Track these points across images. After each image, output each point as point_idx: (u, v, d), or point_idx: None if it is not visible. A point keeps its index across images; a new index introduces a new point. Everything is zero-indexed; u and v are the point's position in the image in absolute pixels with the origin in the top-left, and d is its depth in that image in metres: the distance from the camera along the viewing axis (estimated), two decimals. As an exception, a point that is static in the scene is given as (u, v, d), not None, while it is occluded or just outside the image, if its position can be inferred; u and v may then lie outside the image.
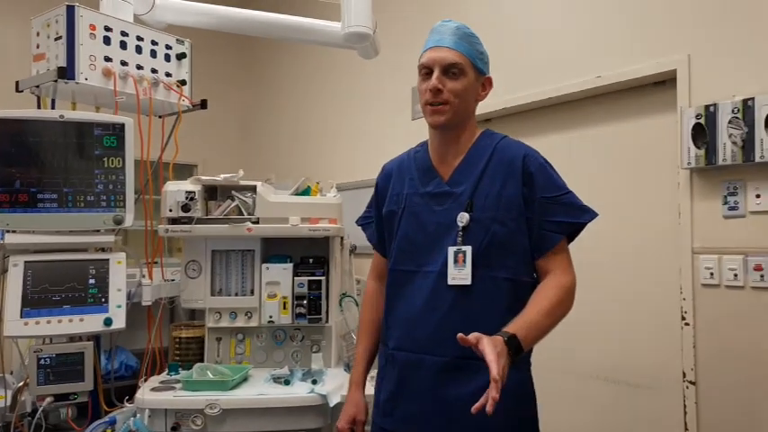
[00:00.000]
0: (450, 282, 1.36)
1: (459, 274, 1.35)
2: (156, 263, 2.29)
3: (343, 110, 3.83)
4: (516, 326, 1.25)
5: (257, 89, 4.84)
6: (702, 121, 2.12)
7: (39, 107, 2.11)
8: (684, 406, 2.19)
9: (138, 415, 1.87)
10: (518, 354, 1.21)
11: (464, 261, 1.36)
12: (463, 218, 1.38)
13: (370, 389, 1.54)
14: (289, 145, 4.42)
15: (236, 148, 4.69)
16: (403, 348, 1.43)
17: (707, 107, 2.11)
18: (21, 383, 2.18)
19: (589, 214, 1.42)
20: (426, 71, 1.42)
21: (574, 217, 1.40)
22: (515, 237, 1.38)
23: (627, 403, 2.43)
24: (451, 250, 1.37)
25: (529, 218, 1.39)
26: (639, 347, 2.40)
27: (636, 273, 2.43)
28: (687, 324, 2.19)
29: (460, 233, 1.38)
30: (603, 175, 2.57)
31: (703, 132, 2.12)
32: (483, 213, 1.38)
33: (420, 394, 1.39)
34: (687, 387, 2.18)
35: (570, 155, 2.70)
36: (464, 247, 1.36)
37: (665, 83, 2.39)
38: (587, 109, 2.66)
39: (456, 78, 1.40)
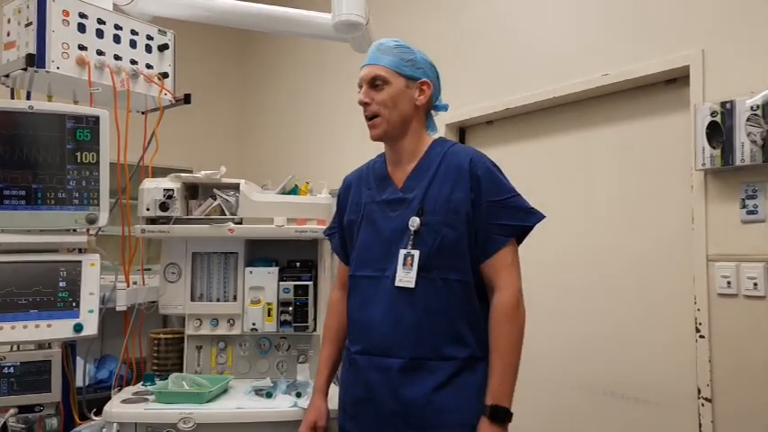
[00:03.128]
0: (396, 284, 1.42)
1: (406, 277, 1.41)
2: (141, 269, 2.17)
3: (343, 112, 3.72)
4: (490, 392, 1.38)
5: (254, 93, 4.75)
6: (718, 119, 1.99)
7: (12, 99, 2.00)
8: (700, 425, 2.04)
9: (105, 429, 1.73)
10: (506, 413, 1.36)
11: (411, 264, 1.41)
12: (414, 222, 1.44)
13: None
14: (287, 149, 4.32)
15: (232, 153, 4.59)
16: (365, 352, 1.48)
17: (723, 104, 1.98)
18: (-13, 394, 2.04)
19: (535, 216, 1.45)
20: (359, 89, 1.53)
21: (519, 220, 1.44)
22: (465, 240, 1.43)
23: (637, 421, 2.29)
24: (402, 253, 1.43)
25: (476, 221, 1.43)
26: (650, 361, 2.26)
27: (646, 282, 2.29)
28: (702, 336, 2.04)
29: (411, 237, 1.43)
30: (611, 179, 2.44)
31: (719, 131, 1.99)
32: (433, 217, 1.44)
33: (382, 396, 1.43)
34: (702, 404, 2.03)
35: (575, 158, 2.58)
36: (413, 251, 1.42)
37: (675, 80, 2.27)
38: (593, 110, 2.54)
39: (380, 89, 1.49)
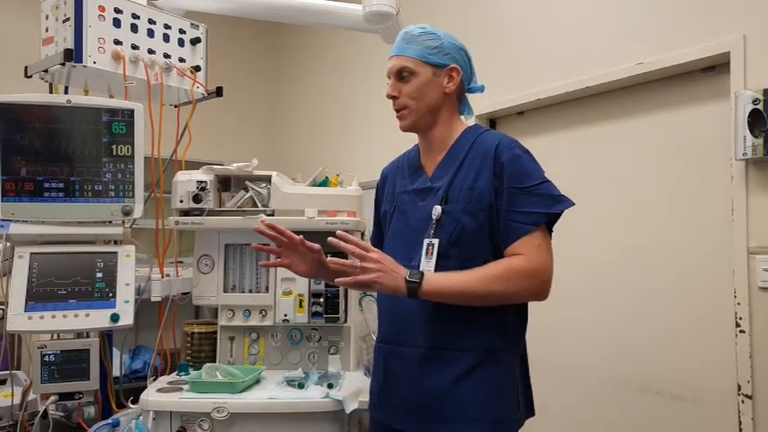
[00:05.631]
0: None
1: (428, 266, 1.39)
2: (175, 261, 2.20)
3: (372, 104, 3.71)
4: (436, 274, 1.34)
5: (283, 86, 4.77)
6: (760, 106, 1.92)
7: (50, 94, 2.04)
8: (740, 422, 1.98)
9: (142, 417, 1.76)
10: (414, 284, 1.29)
11: (432, 253, 1.40)
12: (436, 211, 1.43)
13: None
14: (317, 141, 4.33)
15: (262, 146, 4.62)
16: (387, 341, 1.49)
17: (765, 91, 1.92)
18: (29, 382, 2.10)
19: (563, 203, 1.38)
20: (389, 82, 1.51)
21: (545, 207, 1.37)
22: (486, 230, 1.40)
23: (673, 417, 2.23)
24: (425, 242, 1.42)
25: (498, 209, 1.39)
26: (687, 356, 2.20)
27: (684, 275, 2.23)
28: (742, 331, 1.98)
29: (434, 226, 1.42)
30: (646, 170, 2.38)
31: (761, 119, 1.92)
32: (455, 206, 1.42)
33: (402, 386, 1.43)
34: (743, 401, 1.97)
35: (608, 149, 2.52)
36: (434, 240, 1.41)
37: (714, 68, 2.20)
38: (627, 99, 2.47)
39: (408, 81, 1.47)
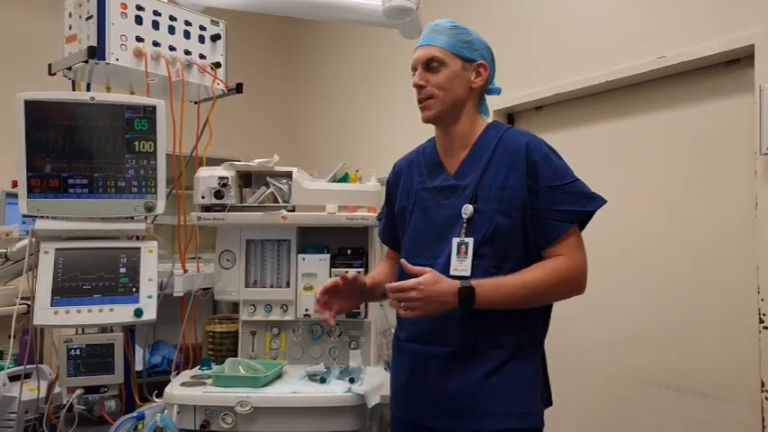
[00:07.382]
0: (451, 272, 1.39)
1: (461, 266, 1.38)
2: (193, 258, 2.22)
3: (391, 99, 3.71)
4: (484, 281, 1.33)
5: (301, 82, 4.78)
6: (786, 99, 1.90)
7: (73, 91, 2.06)
8: (763, 419, 1.96)
9: (167, 411, 1.78)
10: (468, 302, 1.30)
11: (466, 253, 1.39)
12: (467, 210, 1.41)
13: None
14: (334, 137, 4.34)
15: (279, 142, 4.63)
16: (412, 340, 1.48)
17: (791, 84, 1.89)
18: (54, 375, 2.13)
19: (596, 201, 1.41)
20: (413, 72, 1.49)
21: (580, 205, 1.39)
22: (520, 228, 1.39)
23: (696, 414, 2.22)
24: (455, 241, 1.40)
25: (534, 208, 1.39)
26: (710, 353, 2.18)
27: (707, 271, 2.21)
28: (766, 327, 1.97)
29: (464, 225, 1.40)
30: (668, 166, 2.36)
31: (786, 113, 1.90)
32: (487, 205, 1.41)
33: (429, 385, 1.43)
34: (766, 398, 1.96)
35: (629, 144, 2.50)
36: (466, 239, 1.39)
37: (738, 61, 2.17)
38: (648, 94, 2.45)
39: (437, 72, 1.45)
